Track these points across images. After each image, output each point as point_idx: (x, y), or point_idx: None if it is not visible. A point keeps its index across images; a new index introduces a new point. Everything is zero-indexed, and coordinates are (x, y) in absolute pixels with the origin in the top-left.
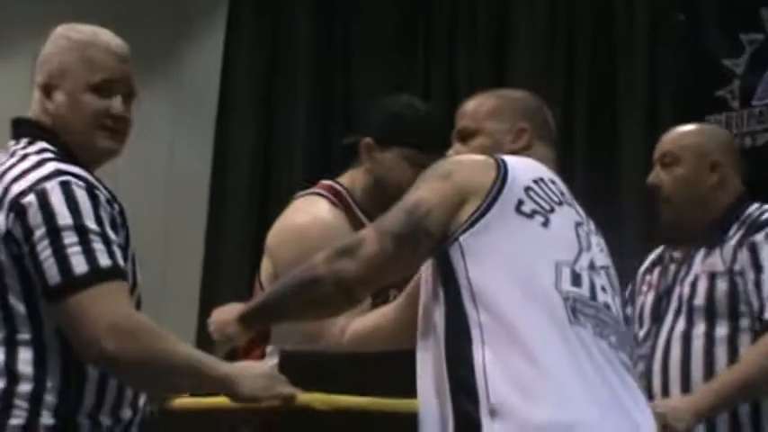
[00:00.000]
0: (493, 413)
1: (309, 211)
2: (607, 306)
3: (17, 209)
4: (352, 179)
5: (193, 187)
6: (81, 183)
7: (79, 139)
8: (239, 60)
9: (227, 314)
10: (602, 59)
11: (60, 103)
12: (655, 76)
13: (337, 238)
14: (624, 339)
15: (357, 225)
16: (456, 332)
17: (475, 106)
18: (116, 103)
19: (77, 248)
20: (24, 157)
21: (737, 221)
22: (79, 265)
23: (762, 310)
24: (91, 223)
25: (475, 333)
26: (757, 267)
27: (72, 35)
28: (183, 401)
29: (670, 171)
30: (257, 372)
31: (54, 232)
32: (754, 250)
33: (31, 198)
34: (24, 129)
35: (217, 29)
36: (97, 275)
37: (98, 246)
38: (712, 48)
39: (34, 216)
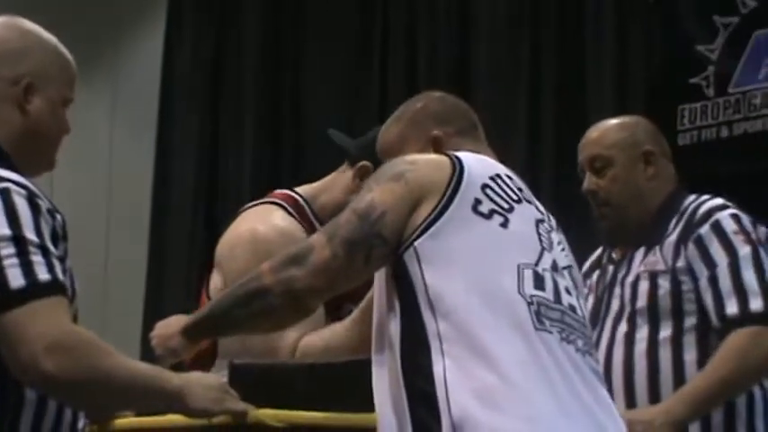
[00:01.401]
0: (455, 427)
1: (263, 220)
2: (572, 308)
3: None
4: (323, 187)
5: (135, 192)
6: (21, 191)
7: (39, 149)
8: (180, 55)
9: (170, 327)
10: (570, 47)
11: (40, 109)
12: (625, 64)
13: None
14: (591, 342)
15: None
16: (413, 343)
17: None
18: (67, 121)
19: (14, 260)
20: None
21: (676, 215)
22: (15, 278)
23: (722, 307)
24: (30, 234)
25: (434, 343)
26: (709, 263)
27: (41, 35)
28: (125, 422)
29: (603, 174)
30: (209, 383)
31: None
32: (701, 244)
33: None
34: None
35: (157, 23)
36: (35, 290)
37: (37, 258)
38: (685, 32)
39: None
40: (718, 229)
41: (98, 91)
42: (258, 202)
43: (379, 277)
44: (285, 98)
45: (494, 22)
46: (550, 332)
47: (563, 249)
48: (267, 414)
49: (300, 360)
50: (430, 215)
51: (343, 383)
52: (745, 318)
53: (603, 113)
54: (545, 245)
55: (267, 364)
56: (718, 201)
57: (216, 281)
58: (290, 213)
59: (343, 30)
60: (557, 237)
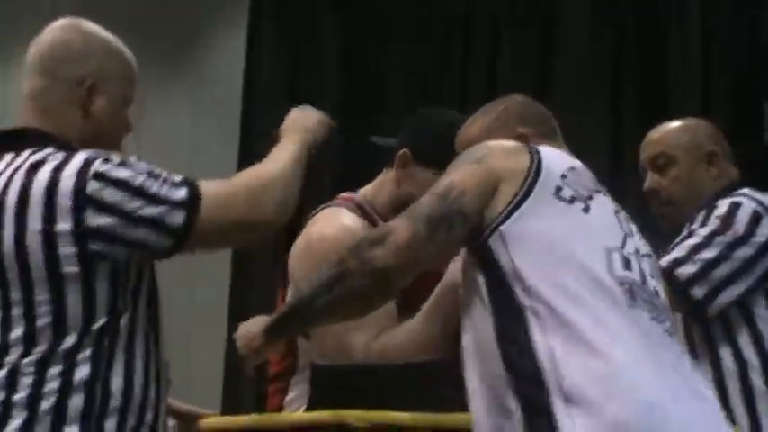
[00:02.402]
0: (567, 399)
1: (330, 223)
2: (657, 292)
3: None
4: (377, 187)
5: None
6: None
7: (102, 148)
8: (264, 52)
9: (253, 327)
10: (653, 46)
11: (102, 109)
12: (709, 62)
13: None
14: (675, 326)
15: None
16: (511, 323)
17: None
18: (129, 120)
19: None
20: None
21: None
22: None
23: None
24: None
25: (532, 321)
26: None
27: (103, 36)
28: (211, 421)
29: (666, 173)
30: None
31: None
32: (690, 225)
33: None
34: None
35: (240, 20)
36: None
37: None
38: None
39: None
40: (710, 211)
41: (181, 92)
42: (324, 206)
43: (465, 264)
44: (363, 97)
45: (576, 23)
46: (642, 310)
47: (641, 238)
48: (350, 415)
49: (379, 356)
50: (513, 200)
51: (426, 384)
52: None
53: (687, 113)
54: (626, 231)
55: (350, 366)
56: (746, 190)
57: (292, 292)
58: (355, 214)
59: (425, 31)
60: (634, 227)
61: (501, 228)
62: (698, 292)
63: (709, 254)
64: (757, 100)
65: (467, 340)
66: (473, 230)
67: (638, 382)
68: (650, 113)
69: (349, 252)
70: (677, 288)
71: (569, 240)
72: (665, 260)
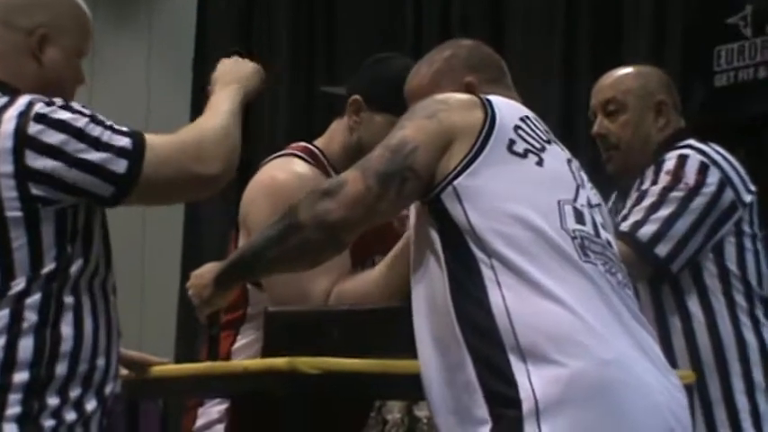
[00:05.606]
0: (521, 354)
1: (284, 168)
2: (609, 243)
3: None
4: (328, 137)
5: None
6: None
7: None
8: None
9: (204, 276)
10: None
11: (54, 59)
12: (660, 5)
13: None
14: (627, 277)
15: None
16: (465, 276)
17: None
18: (82, 72)
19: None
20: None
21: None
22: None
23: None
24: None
25: (487, 275)
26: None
27: None
28: (162, 369)
29: (615, 118)
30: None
31: None
32: (640, 182)
33: None
34: None
35: None
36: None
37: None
38: None
39: None
40: (658, 167)
41: (134, 37)
42: (276, 155)
43: (418, 218)
44: (318, 43)
45: None
46: (595, 264)
47: (592, 188)
48: (303, 362)
49: (334, 305)
50: (467, 155)
51: (382, 329)
52: (616, 233)
53: (639, 56)
54: (579, 182)
55: (303, 310)
56: (690, 142)
57: (243, 239)
58: (307, 162)
59: None
60: (585, 176)
61: (455, 183)
62: (662, 249)
63: (665, 211)
64: (708, 43)
65: (418, 292)
66: (426, 186)
67: (593, 338)
68: (603, 57)
69: (300, 204)
70: (641, 250)
71: (522, 195)
72: (625, 225)
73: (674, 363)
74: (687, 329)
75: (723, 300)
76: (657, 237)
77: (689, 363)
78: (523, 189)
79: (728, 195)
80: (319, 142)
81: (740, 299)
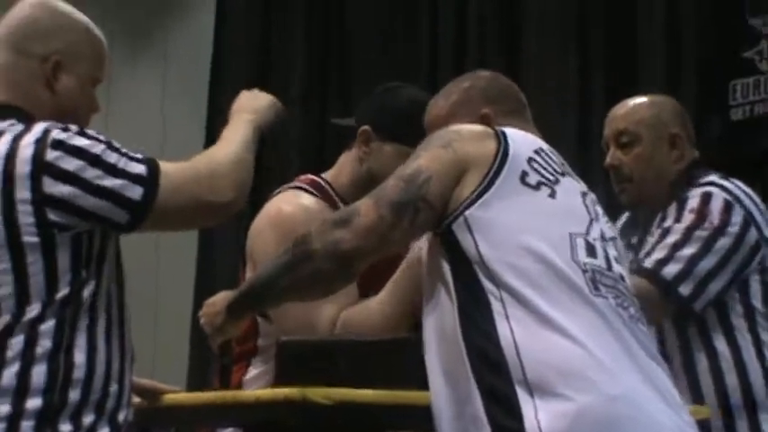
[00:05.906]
0: (529, 388)
1: (291, 201)
2: (622, 277)
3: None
4: (337, 169)
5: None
6: None
7: None
8: (232, 30)
9: (217, 304)
10: (620, 22)
11: (67, 87)
12: (676, 39)
13: None
14: (640, 311)
15: None
16: (474, 309)
17: None
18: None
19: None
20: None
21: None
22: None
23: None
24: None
25: (496, 307)
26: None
27: (73, 14)
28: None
29: (629, 150)
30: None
31: None
32: (662, 219)
33: None
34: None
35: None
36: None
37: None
38: (738, 4)
39: None
40: (682, 205)
41: (149, 66)
42: (283, 188)
43: (430, 249)
44: (333, 71)
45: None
46: (606, 297)
47: (607, 221)
48: (314, 392)
49: (343, 335)
50: (479, 186)
51: (387, 360)
52: (639, 270)
53: (655, 88)
54: (592, 215)
55: (314, 341)
56: (713, 179)
57: (249, 270)
58: (314, 195)
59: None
60: (600, 209)
61: (466, 214)
62: (685, 288)
63: (689, 250)
64: (723, 77)
65: (429, 323)
66: (439, 216)
67: (602, 373)
68: (618, 89)
69: (312, 233)
70: (665, 288)
71: (534, 227)
72: (649, 262)
73: (701, 400)
74: (714, 367)
75: (749, 337)
76: (682, 276)
77: (716, 401)
78: (535, 221)
79: (753, 235)
80: (328, 175)
81: (766, 336)
